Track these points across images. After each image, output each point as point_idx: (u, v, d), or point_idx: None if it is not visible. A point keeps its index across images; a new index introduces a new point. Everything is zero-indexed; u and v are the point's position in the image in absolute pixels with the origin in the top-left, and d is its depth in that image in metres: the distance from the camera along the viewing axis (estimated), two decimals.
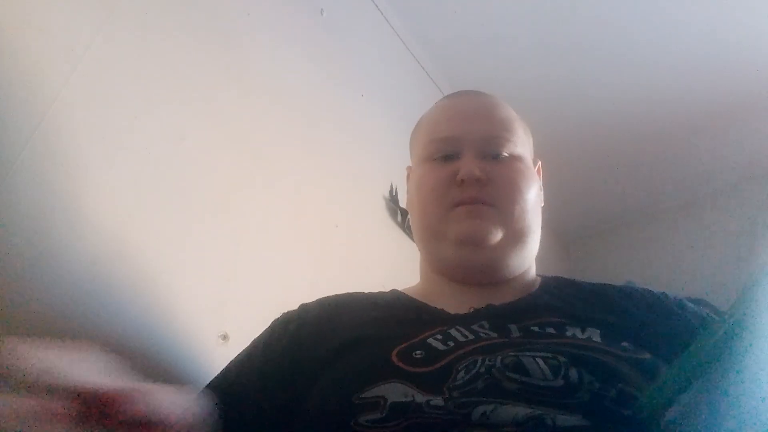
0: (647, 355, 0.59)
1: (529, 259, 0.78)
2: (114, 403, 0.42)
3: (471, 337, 0.61)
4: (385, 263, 1.34)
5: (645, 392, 0.41)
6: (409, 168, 0.88)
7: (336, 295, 0.78)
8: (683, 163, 2.43)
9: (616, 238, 2.80)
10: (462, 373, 0.55)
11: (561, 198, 2.10)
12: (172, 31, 0.99)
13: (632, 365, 0.56)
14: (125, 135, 0.85)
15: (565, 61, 1.98)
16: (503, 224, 0.73)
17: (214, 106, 1.04)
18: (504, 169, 0.75)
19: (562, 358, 0.55)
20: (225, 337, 0.89)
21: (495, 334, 0.62)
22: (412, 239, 0.85)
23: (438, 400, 0.52)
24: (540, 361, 0.54)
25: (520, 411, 0.49)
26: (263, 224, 1.07)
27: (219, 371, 0.71)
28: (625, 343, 0.61)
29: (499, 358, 0.55)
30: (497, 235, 0.72)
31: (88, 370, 0.44)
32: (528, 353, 0.56)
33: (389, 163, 1.48)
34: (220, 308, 0.91)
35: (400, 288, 0.81)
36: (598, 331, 0.62)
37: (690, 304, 0.72)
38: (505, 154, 0.76)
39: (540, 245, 0.80)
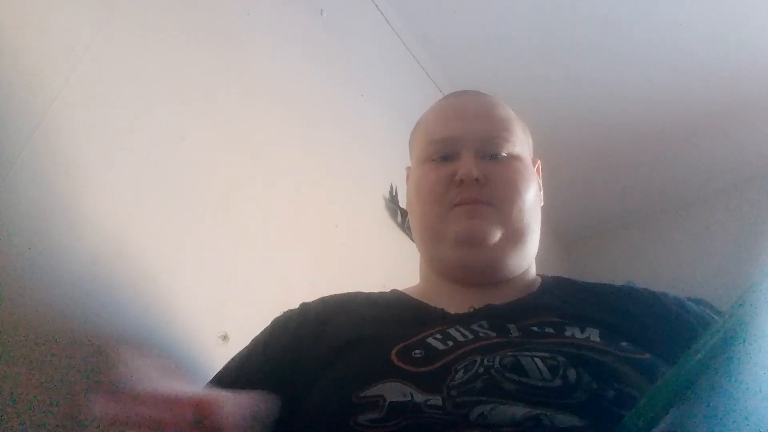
0: (647, 355, 0.59)
1: (528, 259, 0.78)
2: (212, 409, 0.42)
3: (470, 336, 0.62)
4: (385, 263, 1.34)
5: (628, 414, 0.41)
6: (408, 168, 0.88)
7: (336, 295, 0.78)
8: (683, 163, 2.43)
9: (616, 238, 2.80)
10: (461, 373, 0.55)
11: (561, 198, 2.10)
12: (172, 31, 0.99)
13: (631, 365, 0.56)
14: (125, 135, 0.85)
15: (565, 61, 1.98)
16: (502, 224, 0.73)
17: (214, 106, 1.04)
18: (503, 169, 0.75)
19: (560, 358, 0.55)
20: (225, 337, 0.89)
21: (494, 334, 0.62)
22: (412, 239, 0.85)
23: (437, 400, 0.52)
24: (538, 361, 0.54)
25: (518, 411, 0.49)
26: (263, 224, 1.07)
27: (218, 370, 0.72)
28: (624, 343, 0.61)
29: (497, 358, 0.55)
30: (496, 235, 0.72)
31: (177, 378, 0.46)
32: (527, 353, 0.56)
33: (389, 163, 1.48)
34: (220, 308, 0.91)
35: (400, 288, 0.81)
36: (598, 331, 0.62)
37: (690, 304, 0.72)
38: (504, 154, 0.76)
39: (540, 245, 0.80)
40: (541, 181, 0.85)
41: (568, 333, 0.62)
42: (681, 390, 0.40)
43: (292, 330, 0.71)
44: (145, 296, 0.80)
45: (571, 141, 2.28)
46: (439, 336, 0.62)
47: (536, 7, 1.82)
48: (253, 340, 0.73)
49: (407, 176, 0.87)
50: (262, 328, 0.75)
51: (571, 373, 0.53)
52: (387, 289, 0.80)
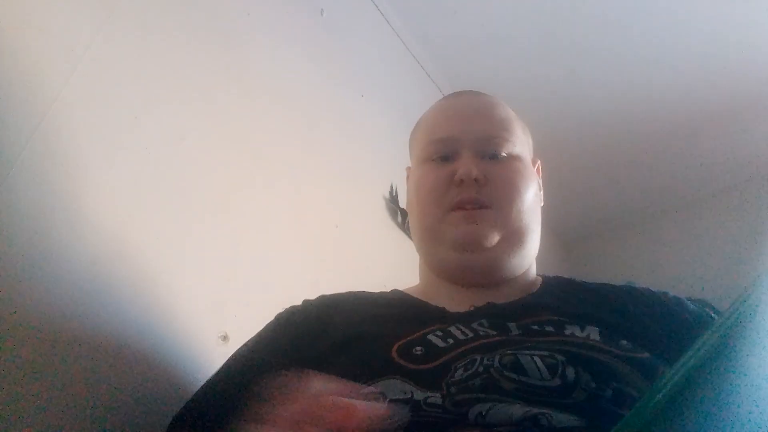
0: (646, 354, 0.59)
1: (529, 259, 0.78)
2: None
3: (470, 335, 0.62)
4: (385, 263, 1.34)
5: (627, 414, 0.41)
6: (408, 168, 0.88)
7: (337, 293, 0.78)
8: (683, 163, 2.43)
9: (616, 238, 2.80)
10: (461, 371, 0.55)
11: (561, 198, 2.10)
12: (172, 31, 0.99)
13: (631, 364, 0.56)
14: (125, 135, 0.85)
15: (565, 60, 1.98)
16: (501, 225, 0.73)
17: (214, 106, 1.04)
18: (502, 169, 0.75)
19: (559, 357, 0.55)
20: (225, 338, 0.89)
21: (494, 333, 0.62)
22: (412, 240, 0.85)
23: (436, 398, 0.53)
24: (538, 360, 0.54)
25: (517, 410, 0.49)
26: (263, 224, 1.07)
27: (220, 366, 0.72)
28: (624, 342, 0.61)
29: (497, 357, 0.55)
30: (495, 238, 0.72)
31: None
32: (526, 352, 0.56)
33: (389, 163, 1.48)
34: (220, 308, 0.91)
35: (400, 288, 0.81)
36: (597, 330, 0.62)
37: (690, 304, 0.72)
38: (504, 154, 0.76)
39: (540, 245, 0.80)
40: (541, 181, 0.85)
41: (568, 331, 0.62)
42: (680, 390, 0.40)
43: (295, 326, 0.71)
44: (145, 296, 0.80)
45: (571, 141, 2.28)
46: (439, 333, 0.62)
47: (536, 7, 1.82)
48: (256, 336, 0.74)
49: (407, 176, 0.87)
50: (264, 327, 0.75)
51: (570, 372, 0.53)
52: (387, 289, 0.80)
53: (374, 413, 0.43)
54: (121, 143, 0.84)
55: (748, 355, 0.39)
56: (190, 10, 1.05)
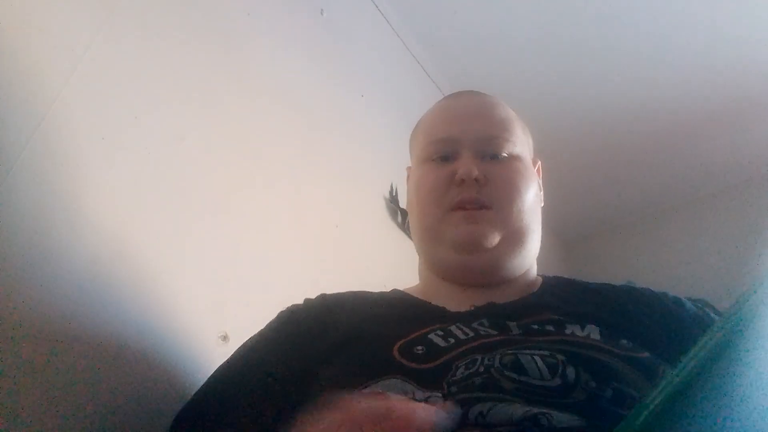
0: (646, 354, 0.59)
1: (529, 259, 0.78)
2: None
3: (471, 334, 0.62)
4: (385, 263, 1.34)
5: (628, 415, 0.41)
6: (408, 168, 0.88)
7: (338, 293, 0.78)
8: (683, 163, 2.43)
9: (616, 238, 2.80)
10: (461, 369, 0.55)
11: (561, 198, 2.10)
12: (172, 31, 0.99)
13: (631, 363, 0.56)
14: (125, 135, 0.85)
15: (566, 61, 1.98)
16: (502, 226, 0.73)
17: (214, 106, 1.04)
18: (503, 169, 0.75)
19: (560, 357, 0.55)
20: (225, 337, 0.89)
21: (495, 332, 0.62)
22: (412, 240, 0.85)
23: (437, 398, 0.52)
24: (538, 360, 0.54)
25: (517, 411, 0.49)
26: (263, 224, 1.07)
27: (222, 363, 0.72)
28: (624, 341, 0.61)
29: (497, 357, 0.55)
30: (495, 238, 0.72)
31: None
32: (527, 351, 0.56)
33: (389, 163, 1.48)
34: (220, 308, 0.91)
35: (400, 288, 0.81)
36: (598, 329, 0.62)
37: (689, 304, 0.72)
38: (504, 155, 0.76)
39: (540, 245, 0.80)
40: (541, 182, 0.85)
41: (568, 331, 0.62)
42: (681, 391, 0.40)
43: (296, 325, 0.71)
44: (145, 296, 0.80)
45: (571, 141, 2.28)
46: (440, 333, 0.62)
47: (536, 7, 1.81)
48: (259, 333, 0.74)
49: (407, 176, 0.87)
50: (266, 325, 0.75)
51: (570, 372, 0.53)
52: (387, 289, 0.80)
53: (434, 418, 0.42)
54: (121, 143, 0.84)
55: (749, 356, 0.39)
56: (190, 10, 1.05)
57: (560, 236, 2.81)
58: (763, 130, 2.23)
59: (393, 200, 1.50)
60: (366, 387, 0.55)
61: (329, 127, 1.36)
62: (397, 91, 1.74)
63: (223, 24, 1.13)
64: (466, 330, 0.62)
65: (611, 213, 2.74)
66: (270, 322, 0.74)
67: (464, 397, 0.52)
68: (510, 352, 0.56)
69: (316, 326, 0.69)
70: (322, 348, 0.65)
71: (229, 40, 1.13)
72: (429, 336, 0.62)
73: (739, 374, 0.38)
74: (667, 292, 0.75)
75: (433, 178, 0.76)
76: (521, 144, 0.79)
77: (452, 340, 0.60)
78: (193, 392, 0.71)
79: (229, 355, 0.73)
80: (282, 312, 0.75)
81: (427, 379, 0.55)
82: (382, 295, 0.79)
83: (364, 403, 0.43)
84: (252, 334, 0.74)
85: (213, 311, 0.90)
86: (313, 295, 0.78)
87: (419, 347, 0.60)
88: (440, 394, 0.53)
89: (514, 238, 0.74)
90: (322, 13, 1.46)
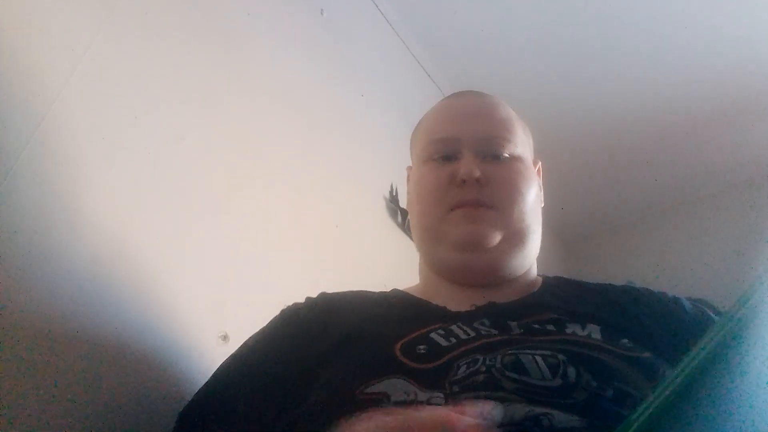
0: (646, 354, 0.59)
1: (530, 260, 0.78)
2: None
3: (472, 334, 0.62)
4: (385, 263, 1.34)
5: (629, 415, 0.41)
6: (409, 168, 0.88)
7: (338, 292, 0.78)
8: (683, 163, 2.43)
9: (616, 238, 2.80)
10: (463, 369, 0.55)
11: (561, 198, 2.10)
12: (172, 31, 0.99)
13: (631, 363, 0.56)
14: (125, 135, 0.85)
15: (566, 60, 1.98)
16: (502, 226, 0.73)
17: (214, 106, 1.04)
18: (503, 169, 0.75)
19: (561, 356, 0.55)
20: (225, 337, 0.89)
21: (496, 332, 0.62)
22: (412, 240, 0.85)
23: (439, 398, 0.52)
24: (539, 360, 0.54)
25: (518, 411, 0.49)
26: (263, 224, 1.07)
27: (221, 363, 0.72)
28: (624, 341, 0.61)
29: (498, 357, 0.55)
30: (496, 238, 0.72)
31: None
32: (528, 351, 0.56)
33: (389, 163, 1.48)
34: (220, 308, 0.91)
35: (400, 288, 0.81)
36: (599, 328, 0.62)
37: (689, 304, 0.72)
38: (505, 155, 0.76)
39: (540, 245, 0.80)
40: (541, 182, 0.85)
41: (569, 330, 0.62)
42: (682, 391, 0.40)
43: (297, 324, 0.71)
44: (145, 296, 0.80)
45: (571, 141, 2.28)
46: (441, 332, 0.62)
47: (536, 7, 1.81)
48: (260, 332, 0.74)
49: (408, 176, 0.87)
50: (268, 323, 0.75)
51: (571, 372, 0.53)
52: (387, 289, 0.80)
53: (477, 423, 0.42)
54: (121, 143, 0.84)
55: (750, 356, 0.39)
56: (190, 10, 1.05)
57: (560, 236, 2.81)
58: (764, 130, 2.23)
59: (393, 200, 1.50)
60: (367, 386, 0.55)
61: (329, 127, 1.36)
62: (397, 91, 1.74)
63: (223, 24, 1.13)
64: (468, 330, 0.62)
65: (611, 213, 2.74)
66: (271, 320, 0.74)
67: (465, 397, 0.52)
68: (511, 351, 0.56)
69: (316, 325, 0.69)
70: (323, 348, 0.65)
71: (229, 40, 1.13)
72: (431, 335, 0.62)
73: (739, 374, 0.38)
74: (667, 292, 0.75)
75: (434, 177, 0.76)
76: (522, 144, 0.79)
77: (454, 340, 0.60)
78: (193, 392, 0.71)
79: (229, 354, 0.73)
80: (284, 309, 0.75)
81: (429, 378, 0.55)
82: (382, 294, 0.79)
83: (422, 411, 0.43)
84: (252, 334, 0.74)
85: (213, 311, 0.90)
86: (313, 295, 0.78)
87: (421, 347, 0.60)
88: (442, 394, 0.53)
89: (515, 238, 0.74)
90: (322, 13, 1.46)
